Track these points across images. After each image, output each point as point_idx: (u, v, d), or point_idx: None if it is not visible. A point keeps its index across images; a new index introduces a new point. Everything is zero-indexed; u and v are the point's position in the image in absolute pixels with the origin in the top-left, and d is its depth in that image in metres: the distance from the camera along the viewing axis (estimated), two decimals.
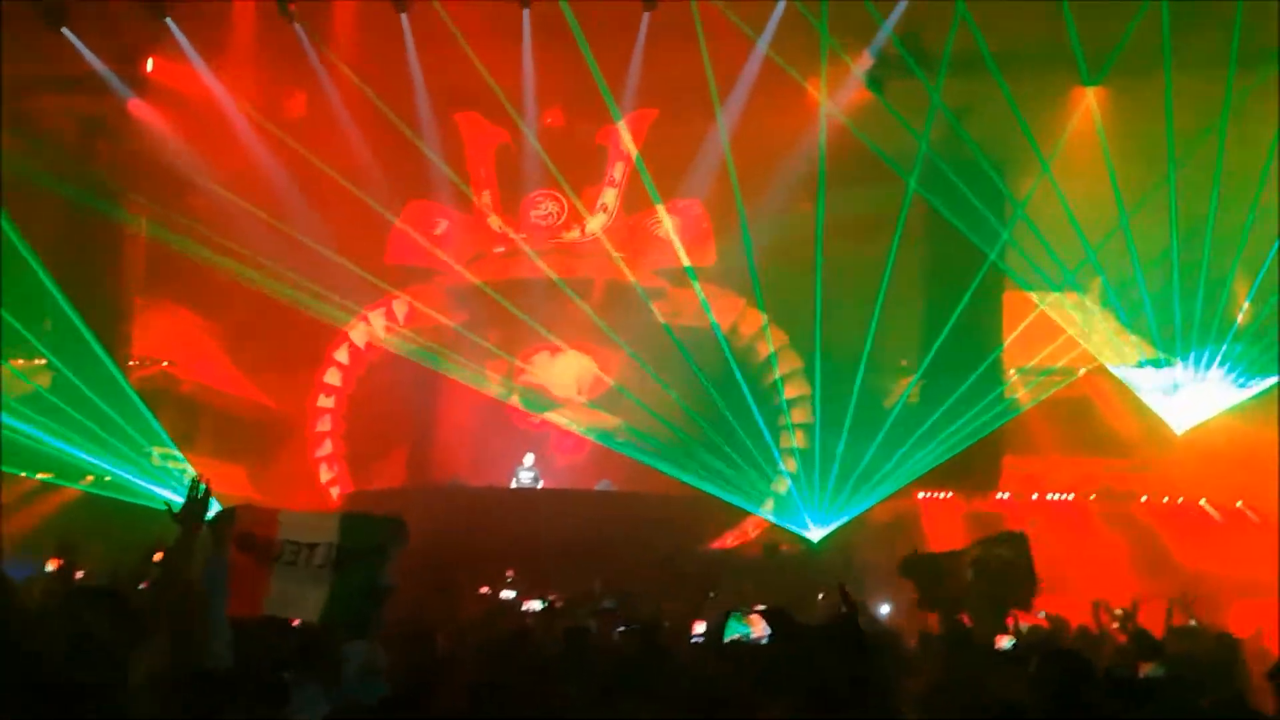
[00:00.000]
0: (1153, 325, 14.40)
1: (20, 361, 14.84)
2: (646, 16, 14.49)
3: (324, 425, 16.48)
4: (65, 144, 15.28)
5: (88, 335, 14.37)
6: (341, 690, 4.70)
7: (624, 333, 15.79)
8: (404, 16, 14.74)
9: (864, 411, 14.64)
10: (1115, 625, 10.01)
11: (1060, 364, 15.00)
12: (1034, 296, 14.84)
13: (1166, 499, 14.73)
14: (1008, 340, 15.00)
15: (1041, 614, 10.06)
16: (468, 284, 16.23)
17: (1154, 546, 13.79)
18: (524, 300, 15.93)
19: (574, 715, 4.46)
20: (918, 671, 5.91)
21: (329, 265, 15.02)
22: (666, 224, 16.10)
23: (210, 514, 4.47)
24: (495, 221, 16.67)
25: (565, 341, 16.30)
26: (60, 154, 14.99)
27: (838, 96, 14.60)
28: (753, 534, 15.23)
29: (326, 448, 16.47)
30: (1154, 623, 9.01)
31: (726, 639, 5.80)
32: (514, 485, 15.44)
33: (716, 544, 14.97)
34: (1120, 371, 14.72)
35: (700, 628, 7.49)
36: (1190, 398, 14.46)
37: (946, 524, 14.23)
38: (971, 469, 14.59)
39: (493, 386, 16.27)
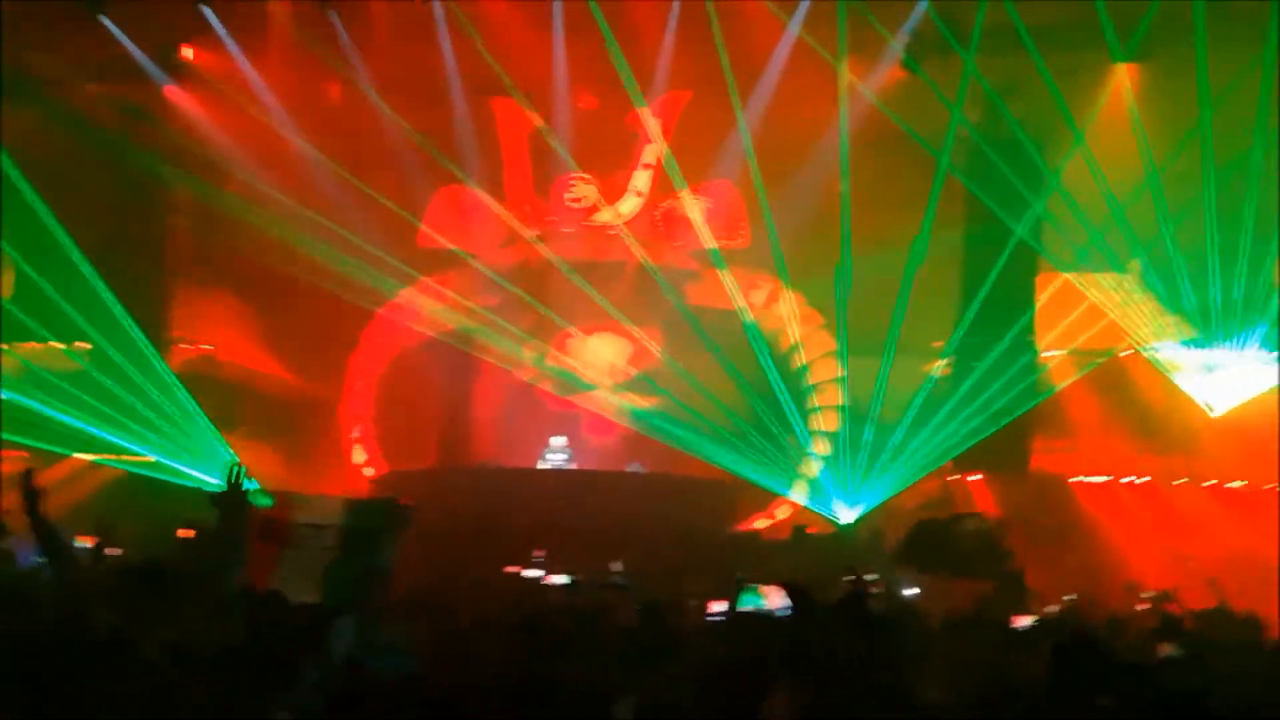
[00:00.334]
0: (1191, 305, 14.19)
1: (61, 345, 15.13)
2: None
3: (357, 407, 16.67)
4: (105, 130, 15.53)
5: (126, 320, 14.64)
6: (330, 669, 4.78)
7: (656, 315, 15.83)
8: (437, 4, 14.86)
9: (895, 394, 14.56)
10: (1146, 607, 9.97)
11: (1095, 345, 14.82)
12: (1070, 277, 14.68)
13: (1205, 482, 14.53)
14: (1041, 321, 14.84)
15: (1073, 597, 10.05)
16: (500, 267, 16.33)
17: (1190, 530, 13.63)
18: (556, 283, 16.02)
19: (581, 688, 4.50)
20: (934, 649, 5.92)
21: (362, 250, 15.17)
22: (698, 206, 16.10)
23: (246, 497, 4.61)
24: (528, 206, 16.75)
25: (597, 324, 16.36)
26: (101, 140, 15.24)
27: (870, 78, 14.51)
28: (781, 516, 15.25)
29: (360, 430, 16.67)
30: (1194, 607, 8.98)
31: (740, 609, 5.83)
32: (543, 466, 15.53)
33: (744, 526, 15.00)
34: (1158, 352, 14.52)
35: (718, 607, 7.53)
36: (1229, 378, 14.24)
37: (978, 506, 14.12)
38: (1003, 451, 14.47)
39: (525, 369, 16.37)
